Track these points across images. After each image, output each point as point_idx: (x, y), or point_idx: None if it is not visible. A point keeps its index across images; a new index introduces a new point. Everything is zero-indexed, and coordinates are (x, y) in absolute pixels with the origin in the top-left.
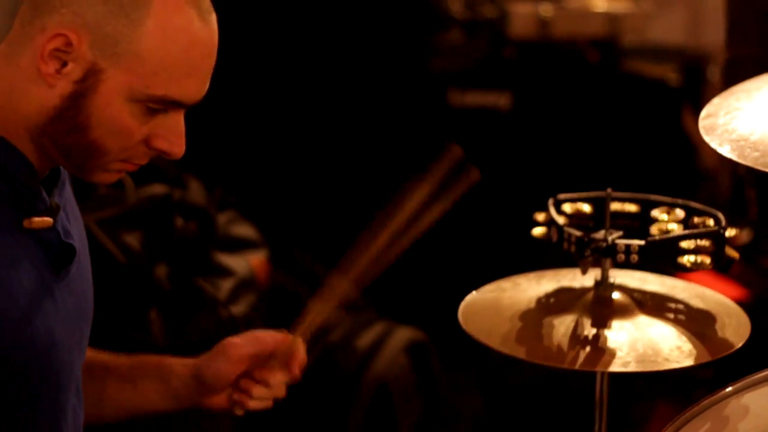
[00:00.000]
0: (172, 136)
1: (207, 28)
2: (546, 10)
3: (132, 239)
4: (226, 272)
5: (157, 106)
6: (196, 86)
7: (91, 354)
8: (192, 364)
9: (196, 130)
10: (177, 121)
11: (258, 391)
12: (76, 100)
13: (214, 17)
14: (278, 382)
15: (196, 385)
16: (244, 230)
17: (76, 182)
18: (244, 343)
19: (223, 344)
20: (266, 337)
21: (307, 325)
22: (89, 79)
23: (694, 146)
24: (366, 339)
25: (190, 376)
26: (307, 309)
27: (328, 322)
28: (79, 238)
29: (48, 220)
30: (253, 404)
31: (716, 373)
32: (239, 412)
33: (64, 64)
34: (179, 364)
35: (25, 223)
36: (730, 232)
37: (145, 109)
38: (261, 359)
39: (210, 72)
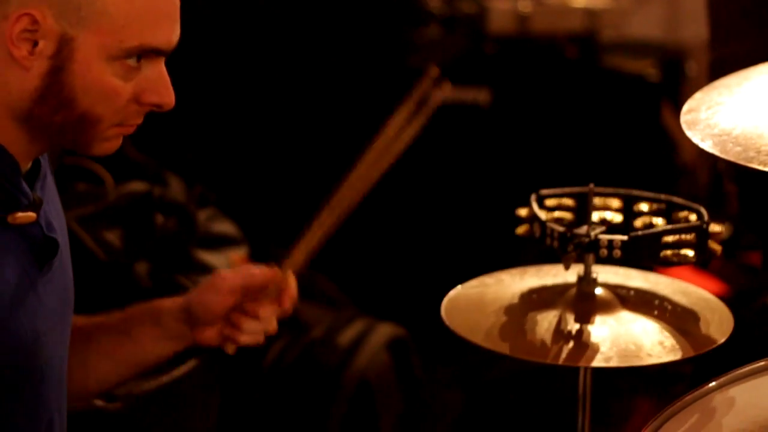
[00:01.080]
0: (159, 87)
1: None
2: (525, 5)
3: (112, 236)
4: (206, 269)
5: (134, 60)
6: (167, 30)
7: (83, 319)
8: (182, 299)
9: (175, 127)
10: (160, 71)
11: (248, 324)
12: (55, 75)
13: None
14: (268, 314)
15: (188, 319)
16: (225, 227)
17: (56, 179)
18: (234, 276)
19: (212, 277)
20: (256, 271)
21: (297, 258)
22: (63, 51)
23: (673, 141)
24: (347, 335)
25: (181, 311)
26: (296, 243)
27: (315, 255)
28: (61, 231)
29: (31, 215)
30: (244, 338)
31: (696, 368)
32: (230, 348)
33: (35, 43)
34: (169, 302)
35: (9, 219)
36: (712, 227)
37: (125, 66)
38: (251, 292)
39: (177, 13)
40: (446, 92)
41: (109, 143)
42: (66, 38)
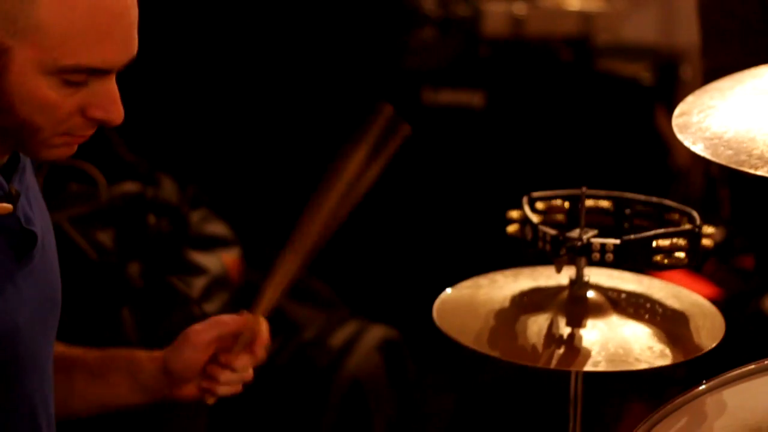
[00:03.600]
0: (106, 103)
1: None
2: (519, 8)
3: (104, 237)
4: (198, 270)
5: (74, 76)
6: (111, 50)
7: (60, 349)
8: (159, 356)
9: (168, 128)
10: (107, 88)
11: (225, 376)
12: None
13: None
14: (244, 365)
15: (165, 377)
16: (217, 228)
17: (49, 180)
18: (206, 329)
19: (186, 333)
20: (227, 320)
21: (266, 303)
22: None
23: (666, 145)
24: (339, 337)
25: (158, 369)
26: (263, 287)
27: (283, 297)
28: (43, 226)
29: (7, 206)
30: (222, 390)
31: (689, 372)
32: (210, 400)
33: None
34: (147, 359)
35: None
36: (705, 230)
37: (62, 81)
38: (225, 342)
39: (128, 33)
40: (405, 134)
41: (59, 150)
42: (2, 48)
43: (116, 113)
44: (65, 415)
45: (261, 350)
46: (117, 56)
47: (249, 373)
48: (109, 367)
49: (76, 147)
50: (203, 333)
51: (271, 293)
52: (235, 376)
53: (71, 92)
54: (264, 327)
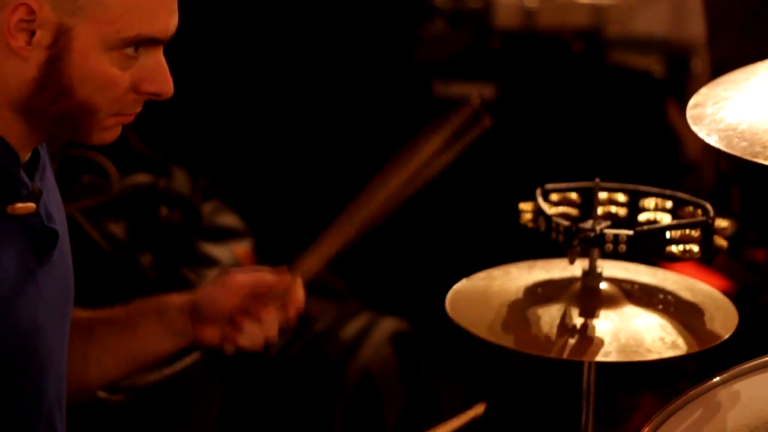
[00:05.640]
0: (157, 75)
1: None
2: (531, 1)
3: (117, 228)
4: (210, 262)
5: (132, 49)
6: (165, 18)
7: (85, 312)
8: (190, 295)
9: (180, 120)
10: (158, 60)
11: (250, 326)
12: (53, 65)
13: None
14: (271, 320)
15: (193, 314)
16: (229, 220)
17: (59, 172)
18: (244, 277)
19: (223, 275)
20: (266, 275)
21: (308, 267)
22: (60, 41)
23: (678, 138)
24: (351, 329)
25: (187, 305)
26: (308, 252)
27: (327, 264)
28: (60, 223)
29: (31, 205)
30: (244, 340)
31: (700, 365)
32: (229, 348)
33: (32, 33)
34: (176, 297)
35: (8, 209)
36: (718, 222)
37: (123, 56)
38: (259, 296)
39: (175, 2)
40: (487, 125)
41: (108, 133)
42: (63, 28)
43: (168, 85)
44: (98, 379)
45: (293, 310)
46: (170, 25)
47: (274, 330)
48: (138, 317)
49: (121, 129)
50: (239, 279)
51: (315, 259)
52: (259, 330)
53: (129, 66)
54: (300, 289)
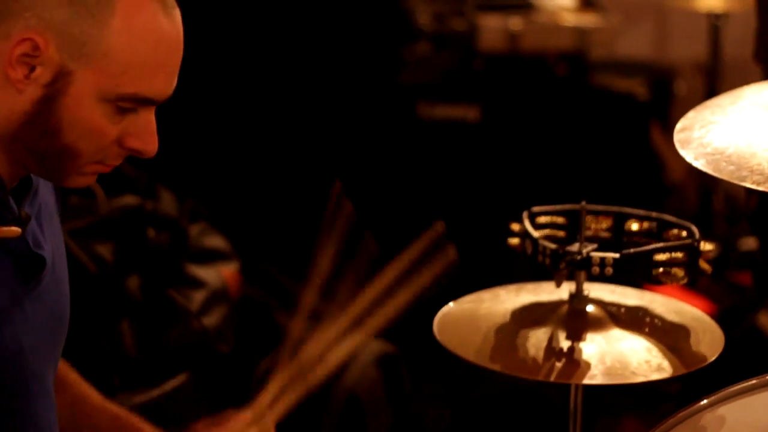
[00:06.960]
0: (144, 134)
1: (172, 23)
2: (515, 23)
3: (104, 250)
4: (197, 284)
5: (127, 104)
6: (164, 82)
7: (83, 391)
8: None
9: (167, 141)
10: (148, 119)
11: None
12: (46, 103)
13: (178, 12)
14: None
15: None
16: (216, 242)
17: None
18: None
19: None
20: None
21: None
22: (59, 82)
23: (661, 160)
24: None
25: None
26: (268, 384)
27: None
28: (54, 248)
29: (15, 229)
30: None
31: (684, 387)
32: None
33: (33, 68)
34: None
35: None
36: (703, 245)
37: (116, 109)
38: None
39: (177, 67)
40: (451, 257)
41: (85, 178)
42: (64, 71)
43: (153, 145)
44: None
45: None
46: (168, 88)
47: None
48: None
49: (96, 177)
50: None
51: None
52: None
53: (119, 120)
54: None
